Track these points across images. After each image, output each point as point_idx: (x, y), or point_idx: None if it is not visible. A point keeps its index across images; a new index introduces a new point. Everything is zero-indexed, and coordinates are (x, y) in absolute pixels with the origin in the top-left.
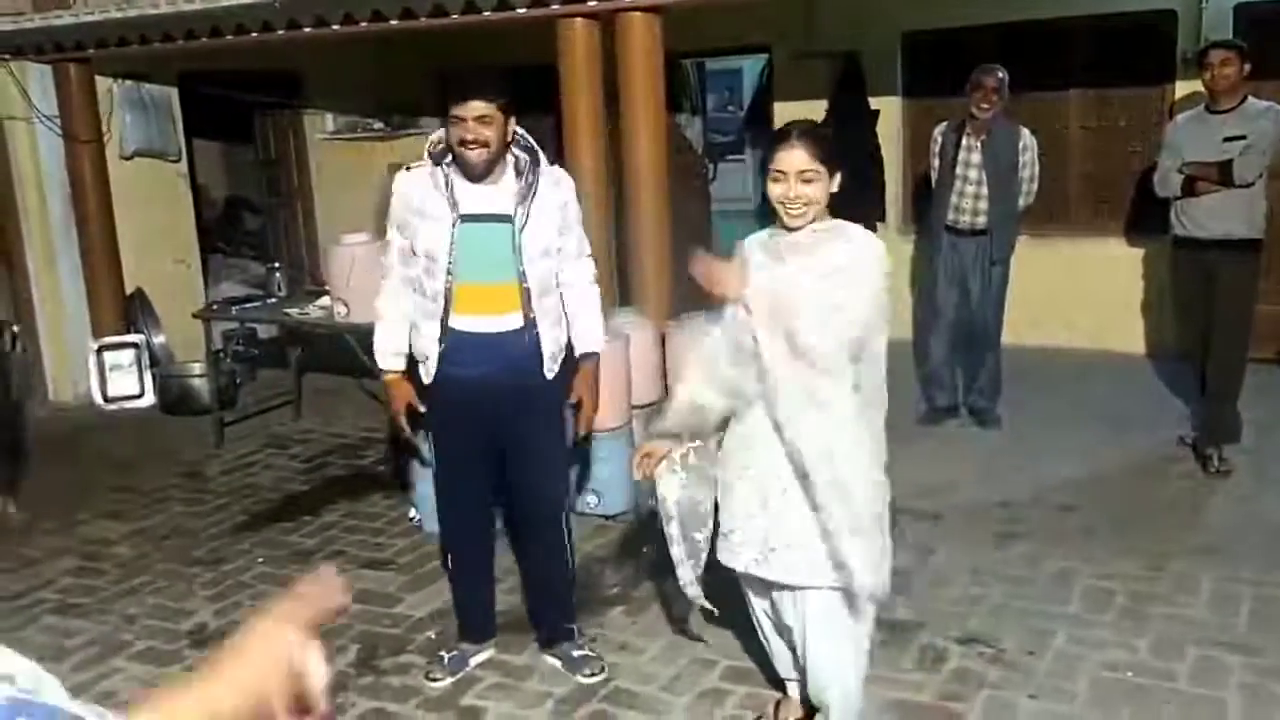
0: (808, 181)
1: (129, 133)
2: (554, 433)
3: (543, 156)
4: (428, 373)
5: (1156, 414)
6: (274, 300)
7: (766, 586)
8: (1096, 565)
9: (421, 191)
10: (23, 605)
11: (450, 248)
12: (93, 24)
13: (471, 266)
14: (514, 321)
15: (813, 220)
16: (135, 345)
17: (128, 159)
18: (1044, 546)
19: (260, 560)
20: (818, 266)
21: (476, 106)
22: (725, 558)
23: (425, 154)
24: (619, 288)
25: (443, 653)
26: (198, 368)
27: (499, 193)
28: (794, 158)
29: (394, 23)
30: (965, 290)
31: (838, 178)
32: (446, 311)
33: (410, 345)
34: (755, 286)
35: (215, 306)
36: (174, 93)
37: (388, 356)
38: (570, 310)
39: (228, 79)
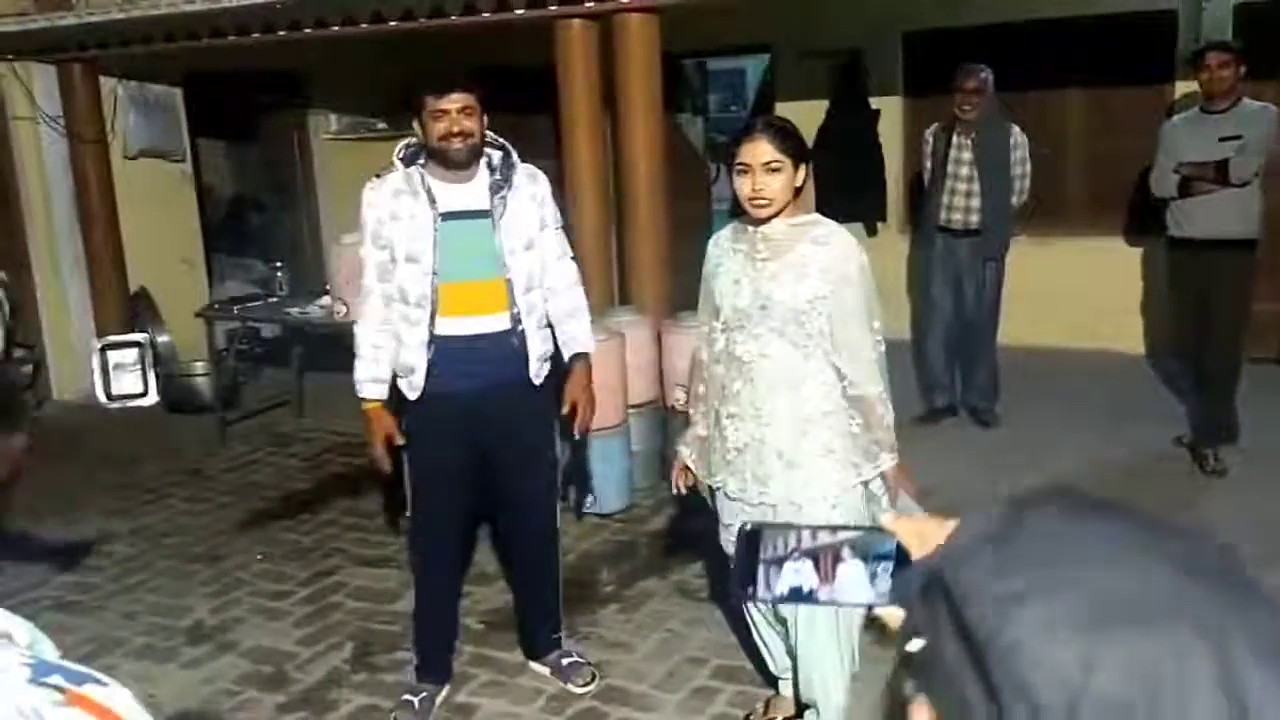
0: (772, 172)
1: (133, 132)
2: (543, 443)
3: (513, 152)
4: (413, 387)
5: (1154, 413)
6: (276, 300)
7: None
8: None
9: (394, 197)
10: (23, 601)
11: (434, 247)
12: (96, 24)
13: (454, 265)
14: (500, 322)
15: (779, 213)
16: (139, 344)
17: (132, 159)
18: None
19: (259, 557)
20: (796, 265)
21: (458, 97)
22: (727, 547)
23: (394, 160)
24: (617, 287)
25: (410, 696)
26: (201, 366)
27: (474, 189)
28: (758, 149)
29: (393, 23)
30: (960, 290)
31: (803, 171)
32: (433, 316)
33: (394, 362)
34: (725, 290)
35: (218, 306)
36: (178, 93)
37: (367, 385)
38: (557, 313)
39: (232, 79)
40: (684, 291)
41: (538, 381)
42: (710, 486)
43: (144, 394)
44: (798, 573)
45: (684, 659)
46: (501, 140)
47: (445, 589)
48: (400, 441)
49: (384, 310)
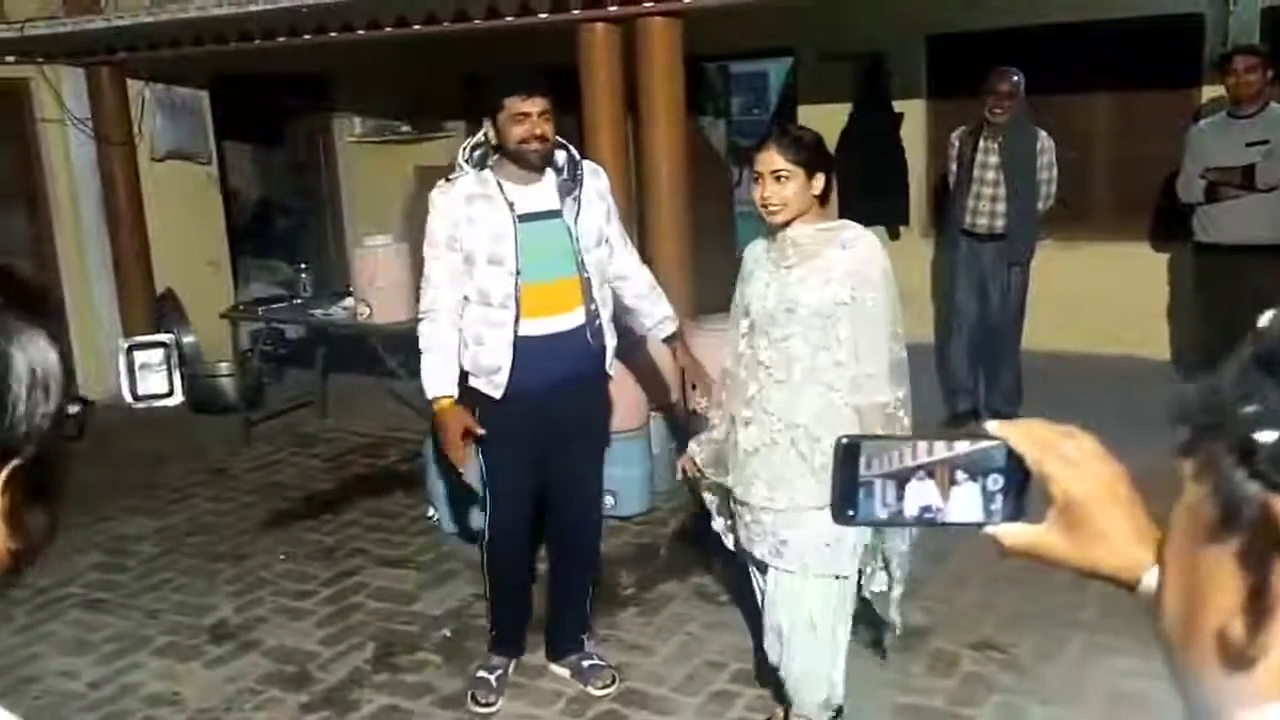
0: (781, 181)
1: (160, 135)
2: (603, 436)
3: (575, 152)
4: (496, 386)
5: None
6: (301, 301)
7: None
8: None
9: (469, 202)
10: (50, 600)
11: (515, 246)
12: (124, 28)
13: (533, 265)
14: (576, 318)
15: (794, 219)
16: (165, 344)
17: (159, 161)
18: None
19: (282, 557)
20: (822, 269)
21: (540, 101)
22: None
23: (460, 164)
24: None
25: (484, 673)
26: (225, 367)
27: (544, 189)
28: (767, 158)
29: (417, 27)
30: (984, 294)
31: (819, 179)
32: (517, 316)
33: (471, 363)
34: (754, 294)
35: (243, 307)
36: (205, 95)
37: (440, 383)
38: (634, 300)
39: (258, 82)
40: (706, 294)
41: (611, 372)
42: (716, 485)
43: (169, 394)
44: (921, 491)
45: (703, 662)
46: (563, 140)
47: (523, 574)
48: (480, 431)
49: (451, 311)
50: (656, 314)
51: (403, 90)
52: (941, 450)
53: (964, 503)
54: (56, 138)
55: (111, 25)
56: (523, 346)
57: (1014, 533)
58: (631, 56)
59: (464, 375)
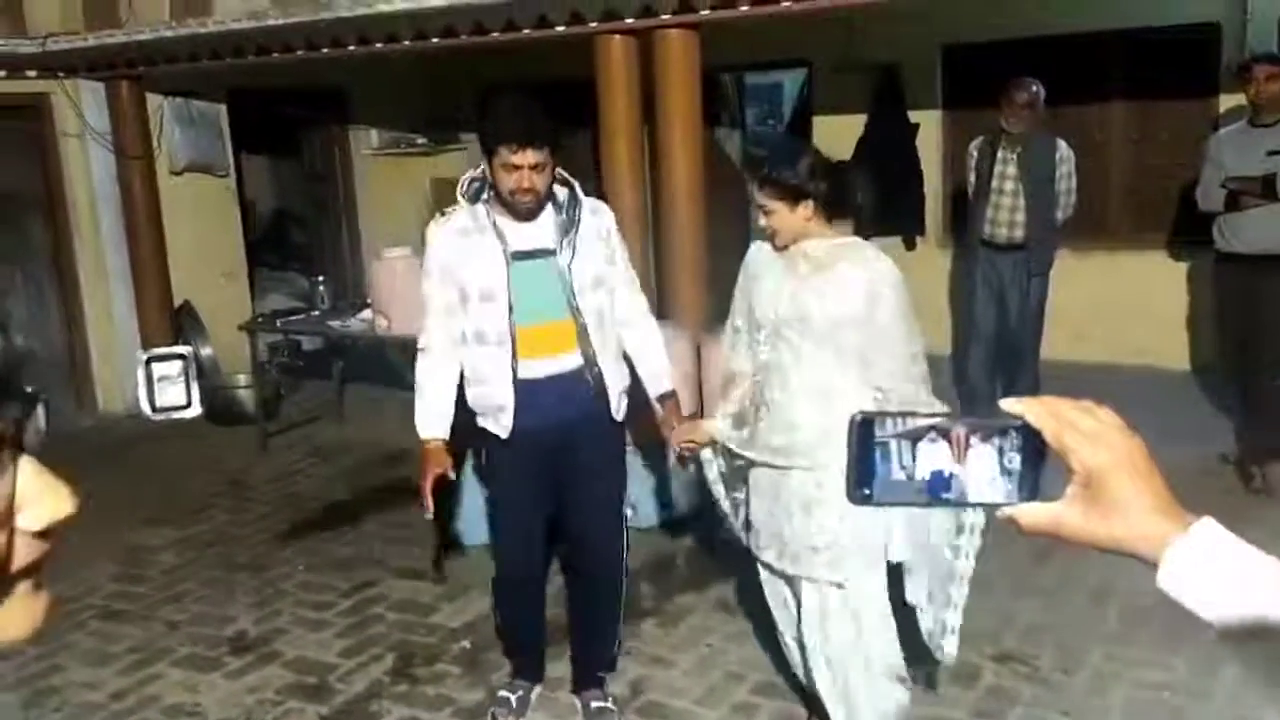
0: (768, 214)
1: (179, 148)
2: (619, 480)
3: (578, 188)
4: (502, 426)
5: (1199, 430)
6: (318, 313)
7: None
8: (1134, 581)
9: (463, 235)
10: (70, 610)
11: (508, 284)
12: (144, 42)
13: (525, 305)
14: (573, 361)
15: (792, 242)
16: (183, 356)
17: (177, 174)
18: (1081, 563)
19: (301, 568)
20: (837, 282)
21: (533, 155)
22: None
23: (459, 197)
24: (656, 301)
25: (506, 693)
26: (243, 379)
27: (541, 226)
28: (755, 192)
29: (435, 40)
30: (1003, 304)
31: (804, 207)
32: (514, 354)
33: (475, 401)
34: (764, 299)
35: (261, 319)
36: (223, 109)
37: (429, 424)
38: (634, 349)
39: (275, 95)
40: (722, 304)
41: (619, 417)
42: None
43: (187, 406)
44: (934, 453)
45: (724, 674)
46: (567, 175)
47: (534, 614)
48: (453, 476)
49: (450, 348)
50: (652, 368)
51: (419, 103)
52: (954, 421)
53: (983, 474)
54: (76, 151)
55: (131, 40)
56: (524, 387)
57: (1032, 511)
58: (648, 68)
59: (473, 414)
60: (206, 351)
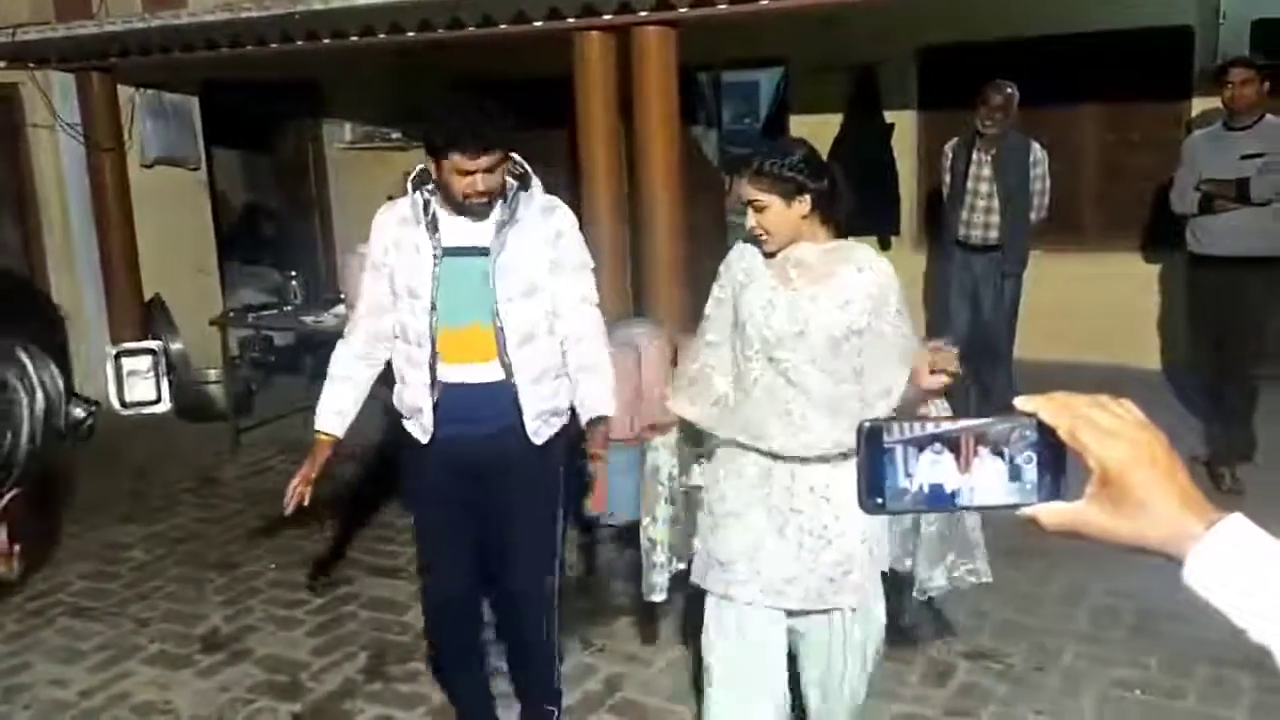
0: (759, 211)
1: (150, 141)
2: (544, 511)
3: (535, 182)
4: (424, 430)
5: (1170, 431)
6: (290, 308)
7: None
8: (1106, 581)
9: (400, 224)
10: (39, 608)
11: (433, 282)
12: (115, 34)
13: (449, 305)
14: (495, 372)
15: (786, 244)
16: (153, 351)
17: (148, 167)
18: (1054, 563)
19: (272, 566)
20: (837, 290)
21: (486, 160)
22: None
23: (408, 184)
24: (632, 299)
25: None
26: (214, 374)
27: (479, 223)
28: (742, 189)
29: (411, 34)
30: (977, 305)
31: (801, 202)
32: (435, 357)
33: (398, 401)
34: (754, 312)
35: (233, 314)
36: (195, 101)
37: (328, 415)
38: (575, 367)
39: (248, 88)
40: (700, 303)
41: (537, 441)
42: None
43: (158, 401)
44: (937, 464)
45: (700, 673)
46: (525, 165)
47: (471, 662)
48: (306, 489)
49: (368, 342)
50: (587, 393)
51: (393, 98)
52: (964, 423)
53: (996, 476)
54: (46, 143)
55: (103, 31)
56: (445, 393)
57: (1053, 511)
58: (626, 66)
59: (398, 413)
60: (177, 346)
